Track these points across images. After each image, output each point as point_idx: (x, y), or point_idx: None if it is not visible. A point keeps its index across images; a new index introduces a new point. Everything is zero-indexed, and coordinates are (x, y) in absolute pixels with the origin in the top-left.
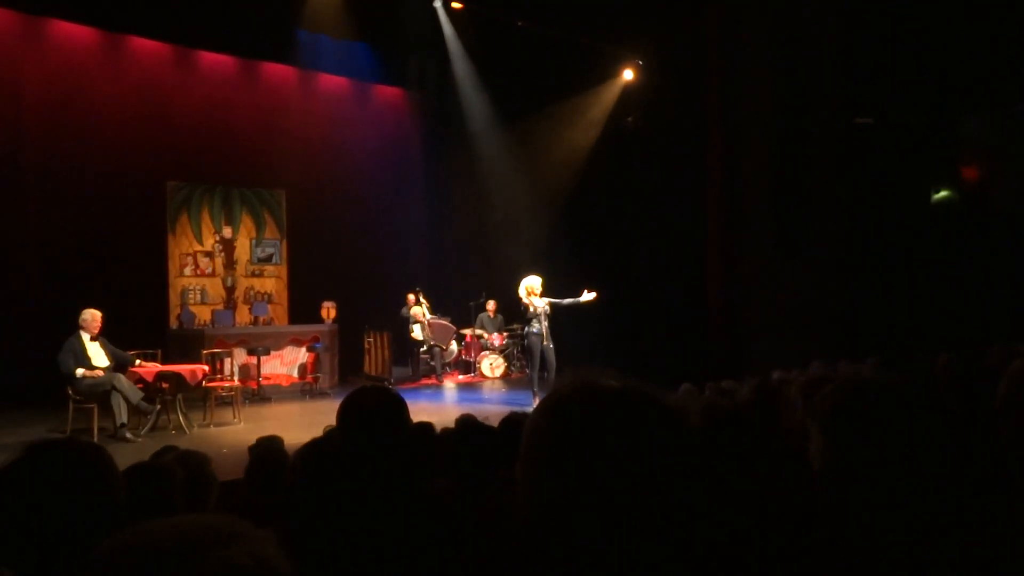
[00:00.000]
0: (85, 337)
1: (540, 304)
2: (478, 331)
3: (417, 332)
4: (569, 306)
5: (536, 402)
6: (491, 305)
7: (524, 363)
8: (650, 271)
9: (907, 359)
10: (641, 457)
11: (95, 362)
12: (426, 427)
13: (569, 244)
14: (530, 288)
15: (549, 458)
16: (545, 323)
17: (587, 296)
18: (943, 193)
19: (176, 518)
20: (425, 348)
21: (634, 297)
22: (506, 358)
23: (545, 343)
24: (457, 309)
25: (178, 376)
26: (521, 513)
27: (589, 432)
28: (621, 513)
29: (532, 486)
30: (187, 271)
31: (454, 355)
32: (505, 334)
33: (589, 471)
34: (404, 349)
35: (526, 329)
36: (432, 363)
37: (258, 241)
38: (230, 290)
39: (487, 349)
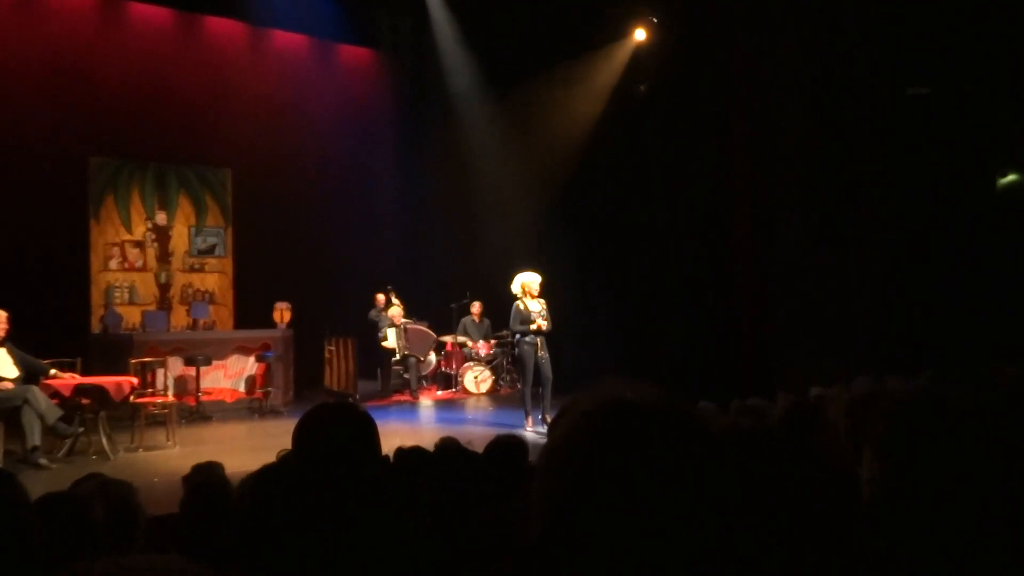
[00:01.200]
0: None
1: (536, 308)
2: (461, 338)
3: (389, 339)
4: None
5: (529, 423)
6: (476, 308)
7: (515, 377)
8: (664, 268)
9: (968, 372)
10: (684, 488)
11: (0, 372)
12: (400, 453)
13: (569, 235)
14: (527, 286)
15: (574, 487)
16: (541, 329)
17: (541, 323)
18: (1011, 177)
19: (107, 560)
20: (398, 358)
21: (644, 298)
22: (494, 371)
23: (540, 354)
24: (436, 312)
25: (101, 390)
26: (534, 551)
27: (625, 460)
28: (656, 551)
29: (551, 517)
30: (113, 264)
31: (432, 367)
32: (493, 342)
33: (624, 504)
34: (372, 359)
35: (517, 337)
36: (406, 376)
37: (198, 229)
38: (164, 288)
39: (471, 360)
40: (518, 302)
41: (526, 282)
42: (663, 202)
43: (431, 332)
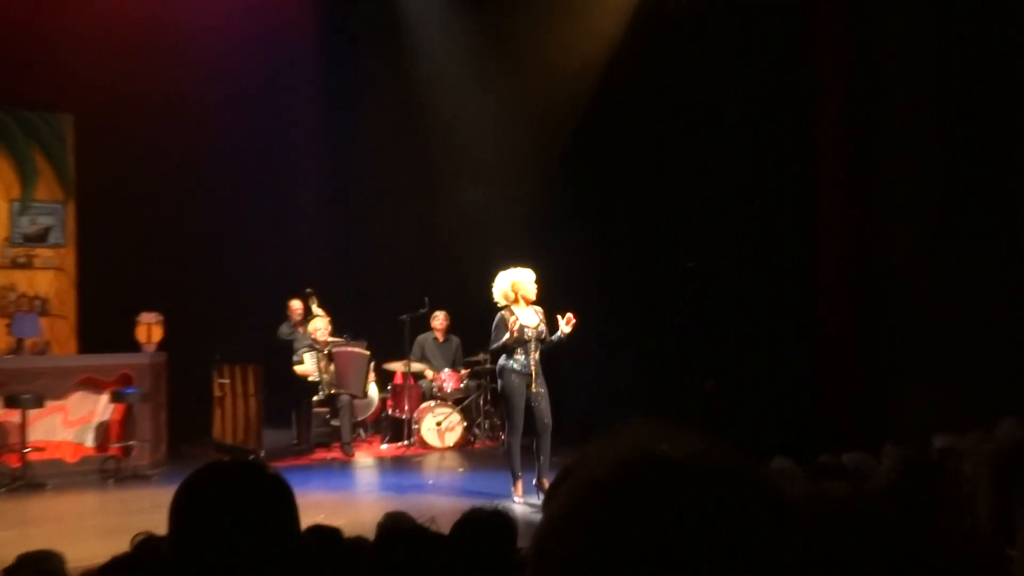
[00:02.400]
0: None
1: (531, 321)
2: (417, 366)
3: (308, 366)
4: (549, 346)
5: (518, 491)
6: (439, 321)
7: (497, 423)
8: (715, 266)
9: None
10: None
11: None
12: (320, 537)
13: (577, 216)
14: (517, 289)
15: None
16: (534, 354)
17: (564, 327)
18: None
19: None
20: (322, 395)
21: (686, 310)
22: (465, 414)
23: (534, 389)
24: (380, 327)
25: None
26: None
27: (660, 546)
28: None
29: None
30: None
31: (373, 409)
32: (464, 372)
33: None
34: (285, 398)
35: (500, 363)
36: (334, 423)
37: (24, 205)
38: None
39: (433, 398)
40: (504, 312)
41: (517, 282)
42: (715, 172)
43: (366, 352)
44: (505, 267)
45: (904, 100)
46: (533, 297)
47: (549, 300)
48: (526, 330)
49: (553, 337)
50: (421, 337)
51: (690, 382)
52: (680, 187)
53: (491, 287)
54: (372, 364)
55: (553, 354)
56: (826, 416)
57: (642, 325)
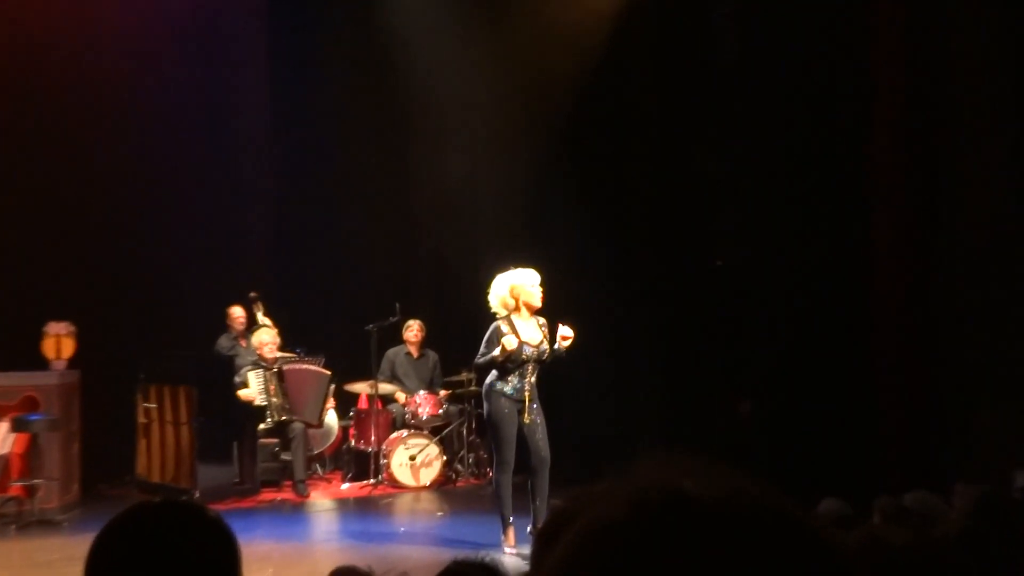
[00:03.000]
0: None
1: (533, 336)
2: (386, 387)
3: (252, 388)
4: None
5: (510, 540)
6: (413, 332)
7: (483, 457)
8: (752, 268)
9: None
10: None
11: None
12: None
13: (585, 207)
14: (517, 293)
15: None
16: (530, 377)
17: (563, 339)
18: None
19: None
20: (270, 423)
21: (715, 320)
22: (444, 445)
23: (527, 418)
24: (340, 340)
25: None
26: None
27: None
28: None
29: None
30: None
31: (333, 439)
32: (444, 394)
33: None
34: (225, 426)
35: (487, 384)
36: (285, 456)
37: None
38: None
39: (405, 426)
40: (500, 322)
41: (518, 286)
42: (749, 152)
43: (325, 372)
44: (498, 266)
45: (975, 76)
46: (538, 304)
47: (548, 307)
48: (526, 348)
49: (546, 357)
50: (391, 352)
51: (719, 404)
52: (707, 170)
53: (478, 290)
54: (331, 385)
55: (550, 371)
56: (885, 448)
57: (660, 335)
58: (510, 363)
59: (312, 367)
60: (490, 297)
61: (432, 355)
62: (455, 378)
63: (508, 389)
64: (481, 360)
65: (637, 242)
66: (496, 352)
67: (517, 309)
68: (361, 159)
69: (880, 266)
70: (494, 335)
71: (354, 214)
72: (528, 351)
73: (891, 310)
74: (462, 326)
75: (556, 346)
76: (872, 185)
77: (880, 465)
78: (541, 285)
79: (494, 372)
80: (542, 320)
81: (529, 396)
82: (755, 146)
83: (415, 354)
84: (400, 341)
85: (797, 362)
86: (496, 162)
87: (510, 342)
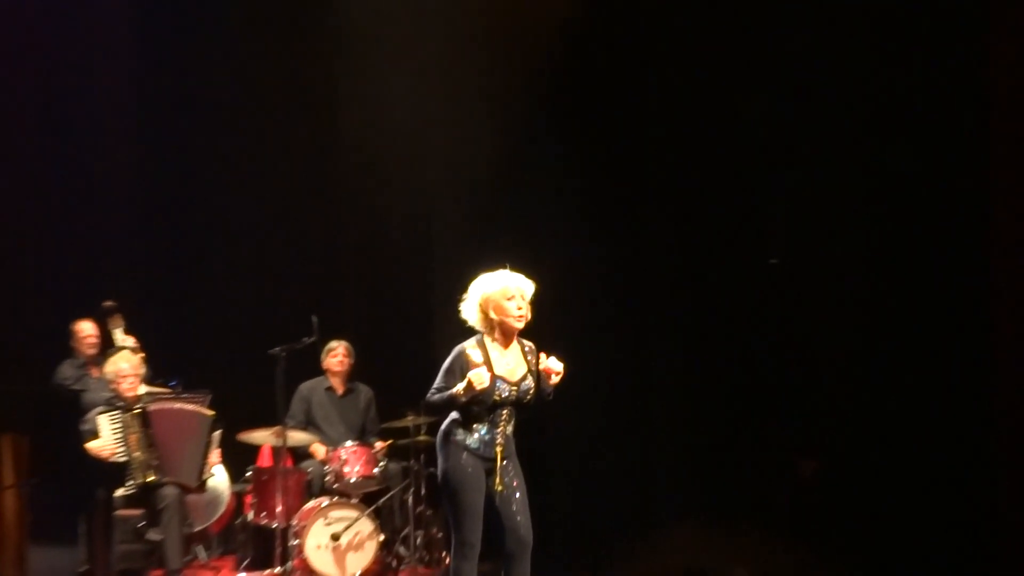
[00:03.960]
0: None
1: (512, 370)
2: (299, 436)
3: (105, 436)
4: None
5: None
6: (338, 359)
7: (438, 536)
8: (815, 273)
9: None
10: None
11: None
12: None
13: (578, 188)
14: (487, 307)
15: None
16: (505, 426)
17: (548, 374)
18: None
19: None
20: (131, 485)
21: (770, 347)
22: (379, 520)
23: (499, 483)
24: (233, 369)
25: None
26: None
27: None
28: None
29: None
30: None
31: (222, 510)
32: (380, 447)
33: None
34: (67, 490)
35: (443, 432)
36: (154, 535)
37: None
38: None
39: (326, 492)
40: (465, 348)
41: (491, 297)
42: (811, 121)
43: (205, 413)
44: (460, 265)
45: None
46: (518, 325)
47: (536, 325)
48: (501, 385)
49: (528, 398)
50: (306, 387)
51: (774, 462)
52: (755, 143)
53: (432, 297)
54: (217, 432)
55: (535, 417)
56: (1005, 524)
57: (688, 364)
58: (477, 405)
59: (190, 406)
60: (463, 309)
61: (365, 391)
62: (397, 423)
63: (473, 442)
64: (436, 398)
65: (659, 235)
66: (459, 388)
67: (492, 330)
68: (264, 125)
69: (1001, 274)
70: (457, 364)
71: (253, 194)
72: (504, 390)
73: (1017, 338)
74: (409, 349)
75: (542, 383)
76: (986, 167)
77: (1000, 546)
78: (526, 296)
79: (454, 417)
80: (529, 345)
81: (503, 452)
82: (820, 116)
83: (340, 389)
84: (319, 371)
85: (882, 404)
86: (458, 115)
87: (479, 378)
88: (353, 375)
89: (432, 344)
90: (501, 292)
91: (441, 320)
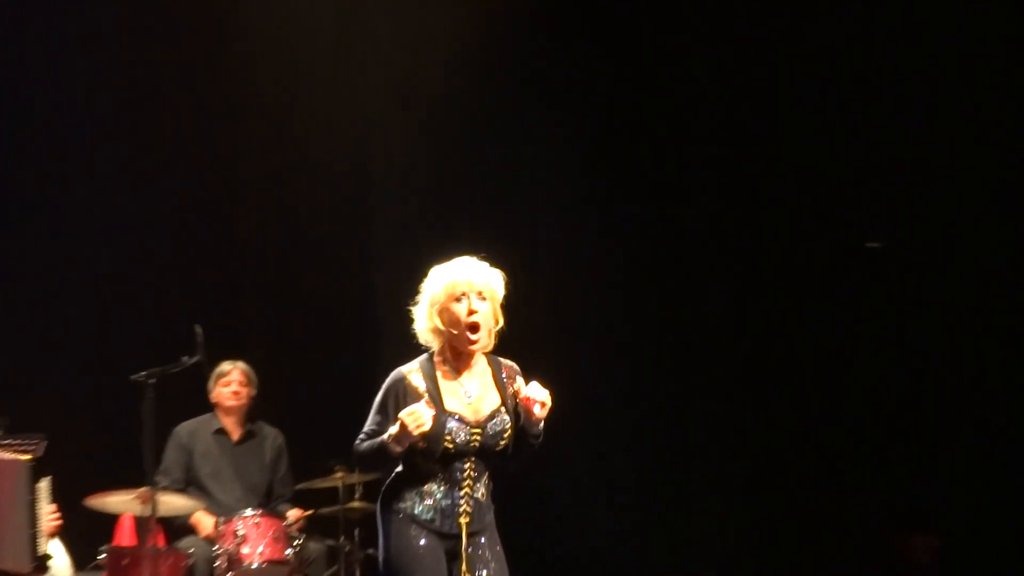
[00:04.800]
0: None
1: (473, 403)
2: (173, 500)
3: None
4: (514, 461)
5: None
6: (231, 388)
7: None
8: (935, 261)
9: None
10: None
11: None
12: None
13: (592, 155)
14: (440, 305)
15: None
16: (470, 486)
17: (528, 405)
18: None
19: None
20: None
21: (871, 368)
22: None
23: (466, 571)
24: (79, 403)
25: None
26: None
27: None
28: None
29: None
30: None
31: None
32: (294, 516)
33: None
34: None
35: (383, 500)
36: None
37: None
38: None
39: None
40: (403, 374)
41: (438, 296)
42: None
43: (26, 460)
44: (420, 264)
45: None
46: (474, 338)
47: (521, 344)
48: (453, 427)
49: (502, 444)
50: (186, 429)
51: (876, 539)
52: (839, 96)
53: (370, 304)
54: (47, 482)
55: (522, 474)
56: None
57: (751, 400)
58: (423, 458)
59: (12, 456)
60: (416, 316)
61: (272, 436)
62: (321, 483)
63: (425, 511)
64: (364, 447)
65: (703, 217)
66: (390, 433)
67: (448, 349)
68: (126, 67)
69: None
70: (393, 396)
71: (112, 164)
72: (460, 433)
73: None
74: (339, 376)
75: (522, 421)
76: None
77: None
78: (485, 294)
79: (399, 473)
80: (508, 366)
81: (469, 525)
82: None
83: (235, 433)
84: (207, 407)
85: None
86: (410, 61)
87: (415, 417)
88: (255, 413)
89: (374, 368)
90: (447, 290)
91: (388, 336)
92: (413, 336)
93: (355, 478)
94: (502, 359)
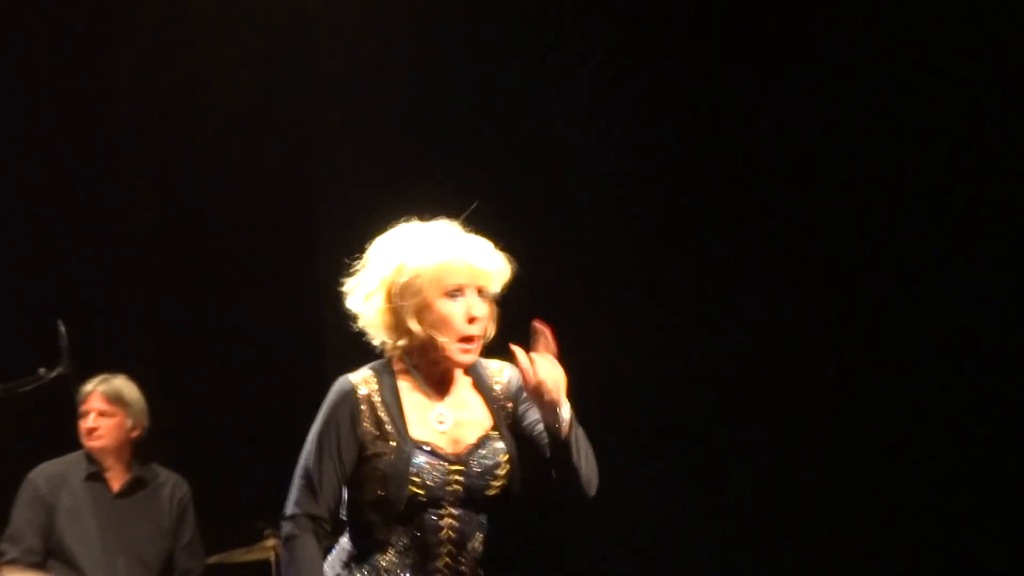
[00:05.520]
0: None
1: (457, 429)
2: (8, 571)
3: None
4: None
5: None
6: (87, 424)
7: None
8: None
9: None
10: None
11: None
12: None
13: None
14: (421, 296)
15: None
16: (452, 552)
17: (541, 388)
18: None
19: None
20: None
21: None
22: None
23: None
24: None
25: None
26: None
27: None
28: None
29: None
30: None
31: None
32: None
33: None
34: None
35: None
36: None
37: None
38: None
39: None
40: (355, 382)
41: (418, 280)
42: None
43: None
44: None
45: None
46: (467, 359)
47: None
48: (421, 466)
49: (496, 487)
50: (42, 476)
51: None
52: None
53: (316, 306)
54: None
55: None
56: None
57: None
58: (379, 512)
59: None
60: (352, 292)
61: (171, 484)
62: (244, 555)
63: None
64: (289, 549)
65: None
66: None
67: (414, 351)
68: None
69: None
70: (336, 422)
71: None
72: (431, 472)
73: None
74: (266, 399)
75: (543, 427)
76: None
77: None
78: (489, 289)
79: (341, 543)
80: (500, 373)
81: None
82: None
83: (117, 481)
84: (71, 444)
85: None
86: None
87: (384, 457)
88: (146, 451)
89: (316, 385)
90: (434, 278)
91: (333, 337)
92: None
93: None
94: (485, 360)
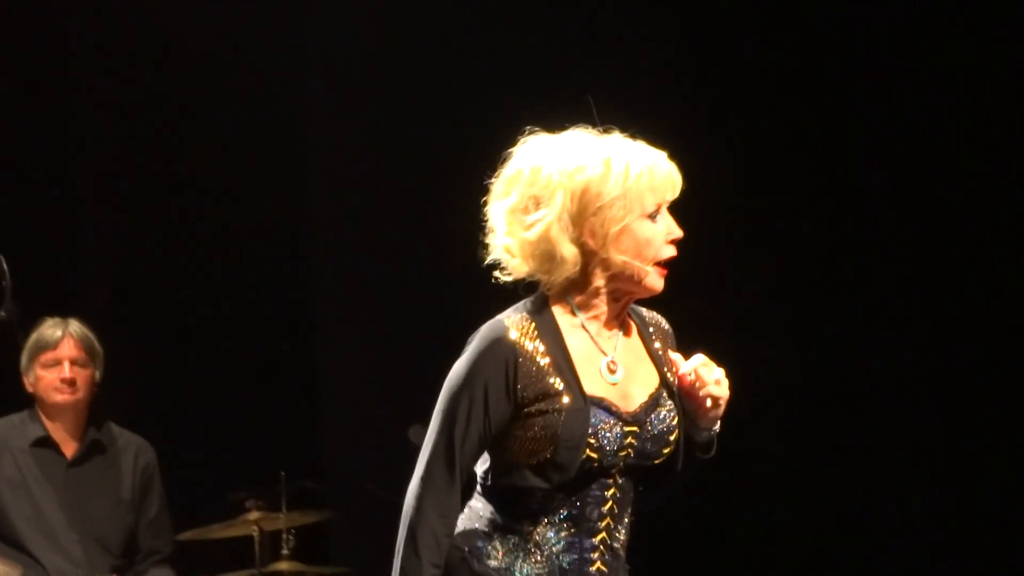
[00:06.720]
0: None
1: (633, 379)
2: None
3: None
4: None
5: None
6: (64, 366)
7: None
8: None
9: None
10: None
11: None
12: None
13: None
14: (611, 216)
15: None
16: (612, 524)
17: (699, 388)
18: None
19: None
20: None
21: None
22: None
23: None
24: None
25: None
26: None
27: None
28: None
29: None
30: None
31: None
32: None
33: None
34: None
35: (456, 561)
36: None
37: None
38: None
39: None
40: (510, 325)
41: (606, 199)
42: None
43: None
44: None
45: None
46: (659, 286)
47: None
48: (597, 425)
49: (663, 456)
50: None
51: None
52: None
53: (303, 267)
54: None
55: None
56: None
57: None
58: (551, 475)
59: None
60: (496, 221)
61: (135, 449)
62: (222, 530)
63: (535, 570)
64: (408, 524)
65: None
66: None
67: (586, 288)
68: None
69: None
70: (491, 378)
71: None
72: (607, 433)
73: None
74: (243, 351)
75: (704, 433)
76: None
77: None
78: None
79: (478, 510)
80: (654, 321)
81: None
82: None
83: (70, 446)
84: (24, 400)
85: None
86: None
87: (564, 412)
88: (103, 411)
89: (305, 334)
90: (636, 195)
91: (324, 281)
92: (358, 301)
93: (282, 522)
94: (641, 308)
